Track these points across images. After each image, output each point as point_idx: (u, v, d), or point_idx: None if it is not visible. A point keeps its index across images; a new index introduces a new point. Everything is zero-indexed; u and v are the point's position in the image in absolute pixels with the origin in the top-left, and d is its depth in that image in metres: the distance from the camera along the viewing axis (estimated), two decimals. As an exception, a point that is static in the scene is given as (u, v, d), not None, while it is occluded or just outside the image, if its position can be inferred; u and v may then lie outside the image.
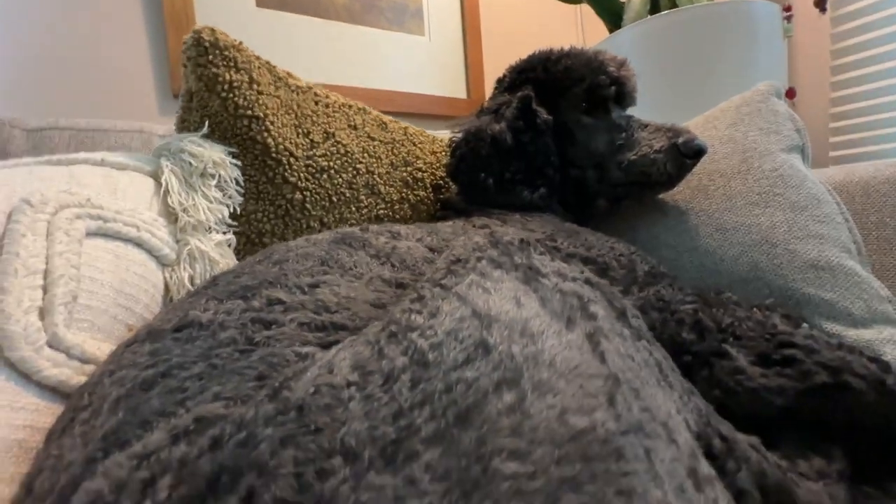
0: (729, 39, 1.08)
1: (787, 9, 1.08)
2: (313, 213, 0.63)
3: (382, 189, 0.73)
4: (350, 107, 0.73)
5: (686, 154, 0.65)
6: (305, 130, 0.63)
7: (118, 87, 1.14)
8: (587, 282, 0.39)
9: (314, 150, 0.64)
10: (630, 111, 0.77)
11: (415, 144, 0.81)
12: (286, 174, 0.60)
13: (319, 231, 0.64)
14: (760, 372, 0.45)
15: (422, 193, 0.80)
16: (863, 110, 1.23)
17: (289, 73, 0.66)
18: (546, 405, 0.22)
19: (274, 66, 0.63)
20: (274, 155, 0.59)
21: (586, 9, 1.63)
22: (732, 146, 0.70)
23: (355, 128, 0.72)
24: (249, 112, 0.57)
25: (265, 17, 1.30)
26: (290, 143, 0.61)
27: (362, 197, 0.70)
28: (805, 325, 0.51)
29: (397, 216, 0.76)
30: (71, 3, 1.09)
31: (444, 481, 0.18)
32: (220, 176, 0.53)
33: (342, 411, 0.20)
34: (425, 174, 0.81)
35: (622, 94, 0.74)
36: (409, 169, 0.78)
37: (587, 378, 0.25)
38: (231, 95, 0.56)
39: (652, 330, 0.50)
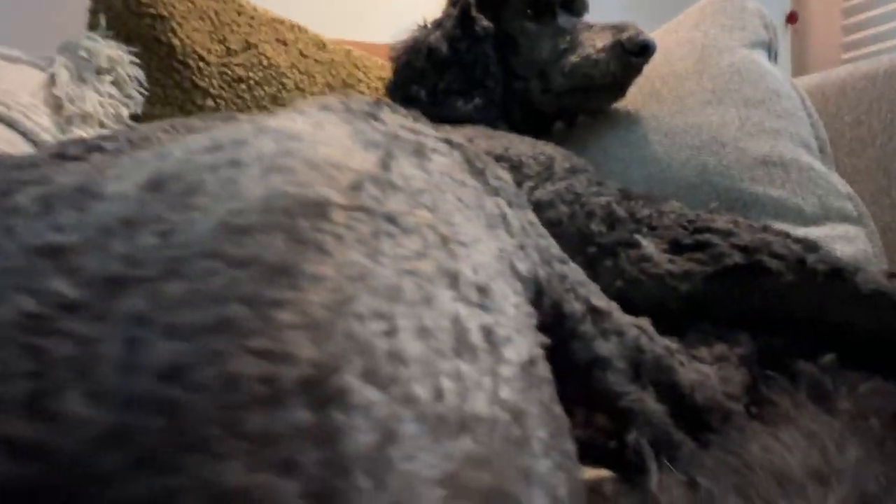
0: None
1: None
2: (230, 123, 0.61)
3: (316, 108, 0.70)
4: (282, 22, 0.70)
5: (631, 51, 0.58)
6: (221, 37, 0.61)
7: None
8: (447, 141, 0.35)
9: (230, 58, 0.61)
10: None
11: (357, 67, 0.78)
12: (195, 78, 0.58)
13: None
14: (668, 258, 0.39)
15: (364, 117, 0.76)
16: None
17: (209, -18, 0.64)
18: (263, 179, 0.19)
19: (191, -28, 0.61)
20: (181, 57, 0.57)
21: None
22: (691, 47, 0.63)
23: (285, 43, 0.69)
24: (153, 10, 0.55)
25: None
26: (202, 47, 0.58)
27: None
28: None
29: (335, 139, 0.72)
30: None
31: None
32: (117, 73, 0.51)
33: None
34: (366, 97, 0.77)
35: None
36: (348, 92, 0.75)
37: (334, 167, 0.21)
38: (132, -8, 0.54)
39: (559, 224, 0.45)
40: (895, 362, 0.33)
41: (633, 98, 0.65)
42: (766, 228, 0.40)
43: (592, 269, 0.41)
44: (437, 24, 0.70)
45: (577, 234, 0.43)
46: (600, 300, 0.33)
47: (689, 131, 0.57)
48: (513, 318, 0.23)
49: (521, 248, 0.30)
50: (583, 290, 0.32)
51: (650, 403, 0.30)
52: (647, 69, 0.65)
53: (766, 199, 0.49)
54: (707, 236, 0.39)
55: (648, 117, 0.62)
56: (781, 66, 0.69)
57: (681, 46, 0.64)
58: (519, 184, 0.48)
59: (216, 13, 0.61)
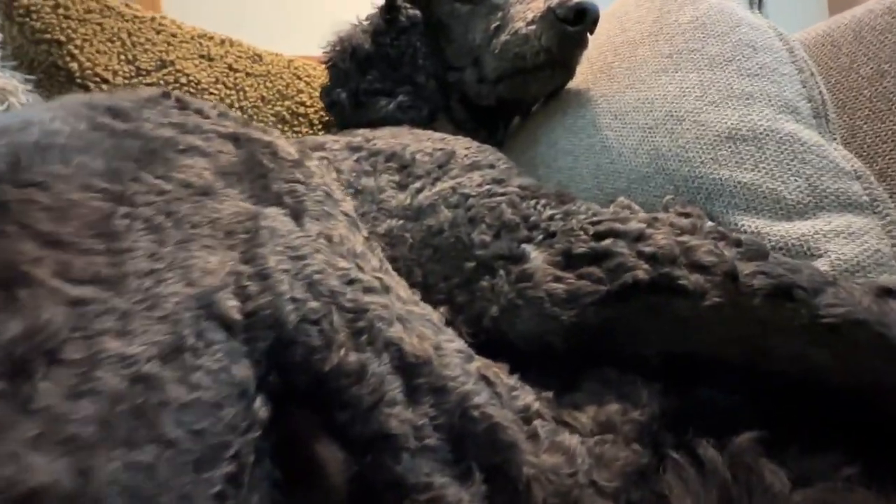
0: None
1: None
2: (142, 146, 0.57)
3: (246, 124, 0.65)
4: (210, 38, 0.67)
5: (564, 18, 0.48)
6: (131, 57, 0.58)
7: None
8: (233, 138, 0.28)
9: (140, 79, 0.58)
10: None
11: (299, 77, 0.72)
12: (97, 102, 0.55)
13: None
14: (554, 275, 0.29)
15: (304, 130, 0.70)
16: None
17: (128, 5, 0.61)
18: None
19: (104, -5, 0.59)
20: (79, 81, 0.54)
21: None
22: (648, 5, 0.50)
23: (210, 59, 0.65)
24: (48, 36, 0.53)
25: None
26: (105, 69, 0.56)
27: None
28: (708, 223, 0.32)
29: (270, 154, 0.67)
30: None
31: None
32: (10, 103, 0.49)
33: None
34: (310, 109, 0.71)
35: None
36: (286, 103, 0.69)
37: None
38: (28, 20, 0.52)
39: (439, 233, 0.36)
40: (882, 433, 0.19)
41: (584, 77, 0.54)
42: (694, 228, 0.28)
43: (469, 290, 0.31)
44: (367, 18, 0.63)
45: (455, 245, 0.34)
46: (421, 343, 0.23)
47: (640, 108, 0.45)
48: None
49: (261, 275, 0.21)
50: (392, 331, 0.23)
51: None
52: (600, 40, 0.53)
53: (732, 186, 0.36)
54: (607, 243, 0.28)
55: (598, 97, 0.50)
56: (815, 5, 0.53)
57: (639, 7, 0.52)
58: (404, 187, 0.39)
59: (129, 33, 0.59)
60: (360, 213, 0.37)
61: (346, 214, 0.28)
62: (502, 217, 0.33)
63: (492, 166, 0.40)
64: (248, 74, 0.68)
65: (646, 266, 0.26)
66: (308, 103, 0.72)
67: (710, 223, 0.30)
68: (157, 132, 0.25)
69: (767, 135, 0.36)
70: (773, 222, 0.34)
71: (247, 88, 0.67)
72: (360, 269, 0.25)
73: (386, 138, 0.45)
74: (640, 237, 0.27)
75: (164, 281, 0.19)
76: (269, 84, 0.69)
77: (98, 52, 0.56)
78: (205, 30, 0.67)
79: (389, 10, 0.59)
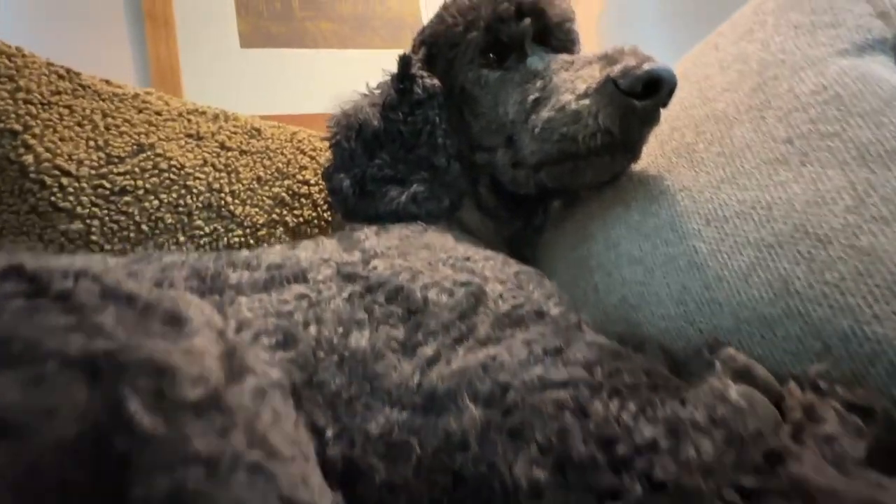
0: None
1: None
2: (107, 247, 0.47)
3: (238, 210, 0.55)
4: (202, 113, 0.58)
5: (630, 90, 0.35)
6: (102, 143, 0.49)
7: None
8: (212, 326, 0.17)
9: (111, 168, 0.49)
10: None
11: (303, 152, 0.63)
12: (55, 199, 0.45)
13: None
14: None
15: (306, 213, 0.60)
16: None
17: (108, 81, 0.53)
18: None
19: (79, 74, 0.51)
20: (33, 175, 0.45)
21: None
22: (742, 68, 0.38)
23: (199, 137, 0.56)
24: (0, 126, 0.44)
25: (251, 57, 1.26)
26: (68, 159, 0.47)
27: (198, 222, 0.52)
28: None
29: (265, 245, 0.56)
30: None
31: None
32: None
33: None
34: (314, 188, 0.61)
35: (545, 28, 0.46)
36: (286, 182, 0.59)
37: None
38: (-20, 108, 0.44)
39: (462, 449, 0.23)
40: None
41: (653, 159, 0.41)
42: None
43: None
44: (376, 87, 0.52)
45: (487, 481, 0.20)
46: None
47: (747, 214, 0.31)
48: None
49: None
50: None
51: None
52: (673, 111, 0.41)
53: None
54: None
55: (677, 191, 0.37)
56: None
57: (727, 70, 0.39)
58: (411, 350, 0.26)
59: (103, 115, 0.50)
60: (344, 398, 0.25)
61: None
62: (567, 441, 0.19)
63: (540, 315, 0.27)
64: (242, 152, 0.58)
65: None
66: (312, 181, 0.62)
67: None
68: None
69: None
70: None
71: (240, 169, 0.57)
72: None
73: (391, 258, 0.33)
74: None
75: None
76: (266, 162, 0.59)
77: (62, 139, 0.47)
78: (197, 105, 0.59)
79: (402, 80, 0.49)
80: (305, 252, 0.36)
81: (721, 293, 0.32)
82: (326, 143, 0.63)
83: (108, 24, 1.18)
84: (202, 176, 0.54)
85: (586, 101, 0.37)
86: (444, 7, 0.51)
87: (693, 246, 0.34)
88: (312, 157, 0.63)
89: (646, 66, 0.35)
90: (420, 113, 0.47)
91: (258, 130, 0.61)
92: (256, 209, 0.57)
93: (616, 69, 0.35)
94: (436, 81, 0.48)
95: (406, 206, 0.44)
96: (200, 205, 0.53)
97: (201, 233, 0.53)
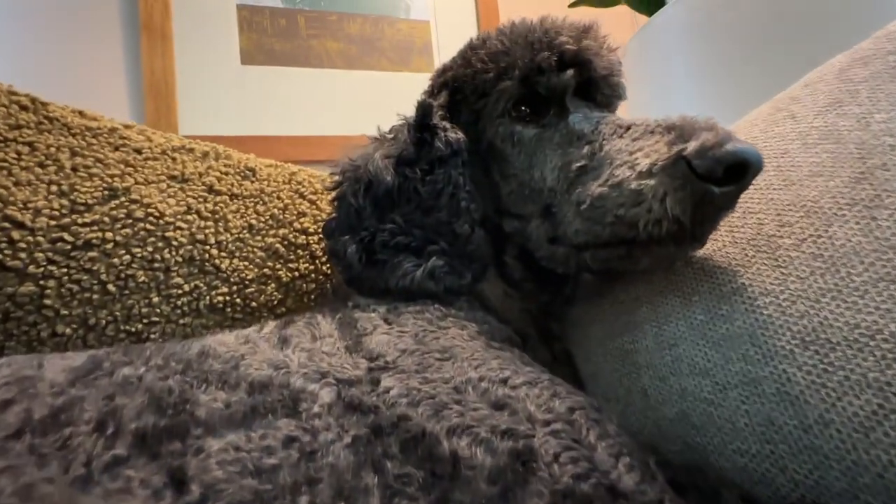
0: (836, 14, 0.66)
1: None
2: (64, 311, 0.40)
3: (224, 264, 0.48)
4: (190, 151, 0.51)
5: (706, 175, 0.29)
6: (67, 188, 0.42)
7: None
8: None
9: (75, 217, 0.41)
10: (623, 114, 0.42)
11: (302, 196, 0.55)
12: (1, 257, 0.38)
13: (75, 341, 0.40)
14: None
15: (303, 267, 0.53)
16: None
17: (81, 113, 0.46)
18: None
19: (46, 104, 0.44)
20: (-23, 229, 0.38)
21: (627, 15, 1.28)
22: (834, 149, 0.31)
23: (183, 179, 0.48)
24: (-58, 169, 0.37)
25: (251, 74, 1.19)
26: (22, 209, 0.39)
27: (177, 279, 0.45)
28: None
29: (253, 303, 0.49)
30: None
31: None
32: None
33: None
34: (312, 238, 0.54)
35: (590, 81, 0.40)
36: (281, 231, 0.52)
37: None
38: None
39: None
40: None
41: (721, 246, 0.34)
42: None
43: None
44: (393, 136, 0.46)
45: None
46: None
47: (865, 347, 0.25)
48: None
49: None
50: None
51: None
52: (746, 193, 0.34)
53: None
54: None
55: (759, 295, 0.30)
56: None
57: (811, 149, 0.33)
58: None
59: (72, 153, 0.43)
60: None
61: None
62: None
63: (612, 493, 0.20)
64: (233, 196, 0.51)
65: None
66: (311, 230, 0.54)
67: None
68: None
69: None
70: None
71: (229, 216, 0.50)
72: None
73: (406, 374, 0.26)
74: None
75: None
76: (260, 207, 0.52)
77: (17, 183, 0.40)
78: (184, 141, 0.52)
79: (421, 130, 0.42)
80: (298, 354, 0.29)
81: (828, 443, 0.25)
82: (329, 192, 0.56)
83: (102, 34, 1.11)
84: (184, 225, 0.47)
85: (651, 182, 0.30)
86: (471, 47, 0.44)
87: (784, 372, 0.27)
88: (313, 203, 0.56)
89: (729, 147, 0.28)
90: (441, 171, 0.40)
91: (252, 171, 0.53)
92: (246, 262, 0.49)
93: (691, 147, 0.29)
94: (460, 135, 0.41)
95: (422, 282, 0.37)
96: (180, 259, 0.46)
97: (179, 291, 0.45)
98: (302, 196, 0.55)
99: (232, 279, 0.48)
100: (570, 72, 0.39)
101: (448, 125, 0.41)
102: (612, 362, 0.39)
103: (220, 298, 0.47)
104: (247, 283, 0.49)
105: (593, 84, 0.40)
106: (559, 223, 0.36)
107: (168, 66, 1.11)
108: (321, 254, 0.54)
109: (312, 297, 0.53)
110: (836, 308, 0.27)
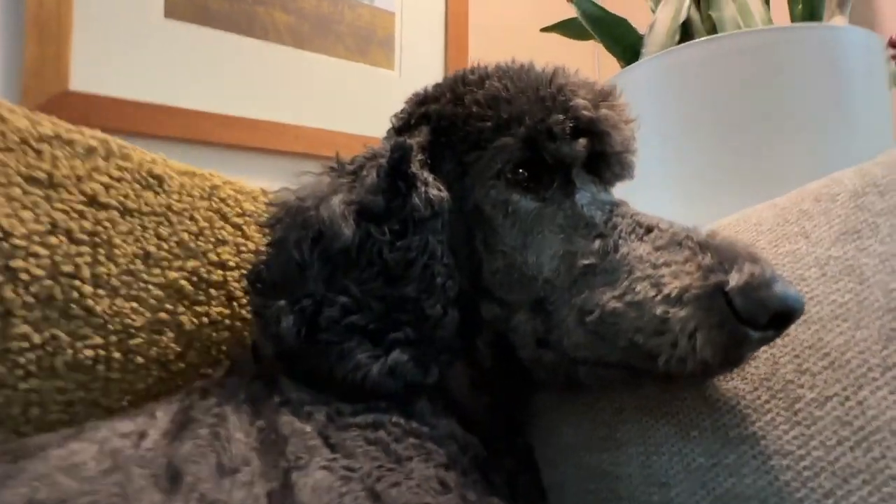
0: (803, 80, 0.68)
1: (895, 44, 0.69)
2: None
3: (100, 305, 0.35)
4: (67, 143, 0.37)
5: (748, 318, 0.24)
6: None
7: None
8: None
9: None
10: (624, 191, 0.37)
11: (224, 218, 0.43)
12: None
13: None
14: None
15: (215, 310, 0.41)
16: None
17: None
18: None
19: None
20: None
21: (601, 48, 1.28)
22: (859, 290, 0.28)
23: (51, 184, 0.35)
24: None
25: (176, 31, 0.99)
26: None
27: (23, 328, 0.32)
28: None
29: (139, 358, 0.37)
30: None
31: None
32: None
33: None
34: (233, 272, 0.42)
35: (604, 156, 0.34)
36: (190, 264, 0.40)
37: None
38: None
39: None
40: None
41: (727, 378, 0.30)
42: None
43: None
44: (353, 172, 0.36)
45: None
46: None
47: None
48: None
49: None
50: None
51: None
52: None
53: None
54: None
55: (772, 453, 0.26)
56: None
57: (831, 283, 0.30)
58: None
59: None
60: None
61: None
62: None
63: None
64: (126, 212, 0.38)
65: None
66: (232, 263, 0.43)
67: None
68: None
69: None
70: None
71: (117, 240, 0.37)
72: None
73: None
74: None
75: None
76: (164, 230, 0.39)
77: None
78: (62, 127, 0.37)
79: (394, 176, 0.33)
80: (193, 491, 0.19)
81: None
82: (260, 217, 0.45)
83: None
84: (43, 251, 0.33)
85: (681, 312, 0.25)
86: (464, 82, 0.36)
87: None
88: (237, 228, 0.44)
89: (777, 290, 0.23)
90: (417, 238, 0.32)
91: (158, 179, 0.41)
92: (134, 304, 0.37)
93: (734, 282, 0.24)
94: (444, 193, 0.33)
95: (379, 381, 0.29)
96: (31, 299, 0.32)
97: (25, 344, 0.32)
98: (224, 218, 0.44)
99: (111, 326, 0.36)
100: (582, 141, 0.32)
101: (430, 177, 0.33)
102: (586, 480, 0.34)
103: (90, 353, 0.35)
104: (133, 331, 0.37)
105: (604, 159, 0.34)
106: (554, 326, 0.30)
107: (63, 1, 0.89)
108: (241, 294, 0.43)
109: (223, 349, 0.41)
110: (869, 496, 0.23)
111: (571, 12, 0.92)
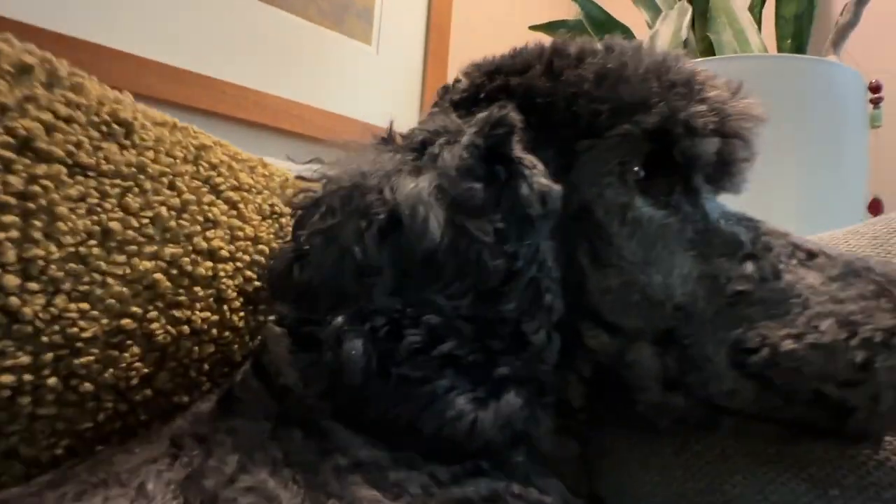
0: (796, 109, 0.70)
1: (875, 89, 0.74)
2: None
3: (30, 307, 0.23)
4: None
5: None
6: None
7: None
8: None
9: None
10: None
11: (216, 191, 0.32)
12: None
13: None
14: None
15: (200, 315, 0.30)
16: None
17: None
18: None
19: None
20: None
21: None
22: None
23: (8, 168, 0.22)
24: None
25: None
26: None
27: None
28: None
29: (85, 385, 0.25)
30: None
31: None
32: None
33: None
34: (225, 268, 0.31)
35: (728, 162, 0.29)
36: (168, 251, 0.28)
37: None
38: None
39: None
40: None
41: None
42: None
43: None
44: (417, 148, 0.27)
45: None
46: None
47: None
48: None
49: None
50: None
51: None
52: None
53: None
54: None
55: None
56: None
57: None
58: None
59: None
60: None
61: None
62: None
63: None
64: (74, 170, 0.25)
65: None
66: (224, 253, 0.31)
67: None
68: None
69: None
70: None
71: (60, 209, 0.25)
72: None
73: None
74: None
75: None
76: (130, 199, 0.27)
77: None
78: None
79: (492, 160, 0.25)
80: None
81: None
82: (270, 173, 0.34)
83: None
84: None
85: (889, 361, 0.20)
86: (558, 53, 0.29)
87: None
88: (233, 206, 0.32)
89: None
90: (528, 242, 0.24)
91: (126, 127, 0.28)
92: (84, 305, 0.25)
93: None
94: (558, 187, 0.25)
95: (492, 434, 0.21)
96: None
97: None
98: (215, 190, 0.32)
99: (45, 338, 0.23)
100: (716, 140, 0.27)
101: (538, 164, 0.26)
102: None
103: (8, 378, 0.22)
104: (79, 345, 0.25)
105: (728, 166, 0.29)
106: (692, 366, 0.24)
107: None
108: (234, 295, 0.31)
109: (207, 369, 0.30)
110: None
111: (563, 10, 0.88)
